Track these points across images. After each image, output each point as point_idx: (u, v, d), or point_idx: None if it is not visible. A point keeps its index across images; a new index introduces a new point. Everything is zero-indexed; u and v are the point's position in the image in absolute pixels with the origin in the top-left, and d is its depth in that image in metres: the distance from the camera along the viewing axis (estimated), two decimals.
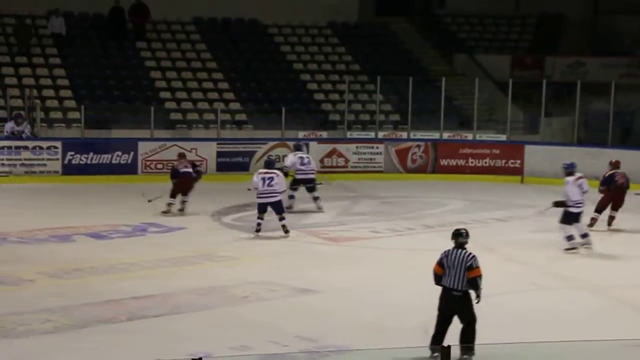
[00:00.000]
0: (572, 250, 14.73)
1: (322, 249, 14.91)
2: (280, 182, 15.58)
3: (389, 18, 28.51)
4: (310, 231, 16.13)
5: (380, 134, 23.41)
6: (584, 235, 14.98)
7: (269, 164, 15.98)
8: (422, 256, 14.43)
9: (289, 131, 22.65)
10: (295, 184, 17.88)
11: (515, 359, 8.78)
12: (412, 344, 9.39)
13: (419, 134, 23.42)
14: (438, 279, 9.58)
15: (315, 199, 17.97)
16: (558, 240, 15.93)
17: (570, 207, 14.85)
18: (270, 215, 15.64)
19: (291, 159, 18.23)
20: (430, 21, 29.25)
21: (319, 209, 17.85)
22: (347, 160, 22.54)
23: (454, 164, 22.95)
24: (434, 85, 24.35)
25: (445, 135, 23.45)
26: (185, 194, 17.37)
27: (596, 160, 21.28)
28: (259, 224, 15.48)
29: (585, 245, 14.91)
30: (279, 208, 15.56)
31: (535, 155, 22.40)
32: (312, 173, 18.08)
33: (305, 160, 18.01)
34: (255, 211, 15.69)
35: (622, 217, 16.96)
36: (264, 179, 15.44)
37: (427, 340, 9.92)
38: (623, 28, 27.95)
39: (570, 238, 14.81)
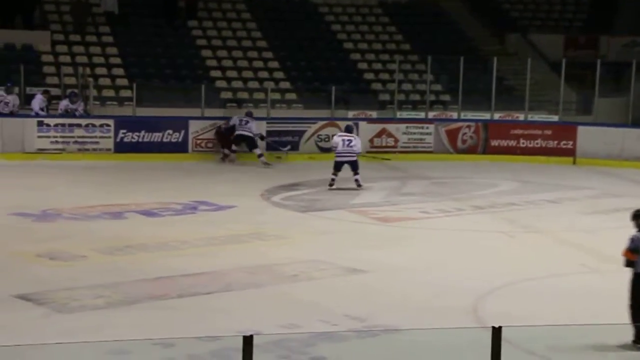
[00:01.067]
0: None
1: (371, 228, 14.91)
2: (358, 145, 17.97)
3: None
4: (359, 211, 16.13)
5: (431, 114, 23.28)
6: None
7: (349, 129, 18.46)
8: (471, 237, 14.47)
9: (339, 111, 22.62)
10: (335, 167, 17.94)
11: (565, 340, 8.74)
12: (460, 325, 9.37)
13: (470, 114, 23.24)
14: (630, 264, 9.56)
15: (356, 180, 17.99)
16: (609, 222, 15.78)
17: None
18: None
19: (335, 140, 18.38)
20: (482, 0, 28.94)
21: (359, 187, 17.92)
22: (396, 140, 22.47)
23: (505, 144, 22.74)
24: (485, 65, 24.13)
25: (496, 116, 23.25)
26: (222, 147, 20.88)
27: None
28: (333, 180, 17.65)
29: None
30: (354, 166, 17.80)
31: (588, 137, 22.12)
32: (352, 155, 18.00)
33: (347, 143, 18.05)
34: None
35: None
36: (343, 140, 17.83)
37: (476, 321, 9.90)
38: None
39: None
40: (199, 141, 21.43)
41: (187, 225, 14.71)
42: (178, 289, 11.09)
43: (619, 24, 27.70)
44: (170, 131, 21.32)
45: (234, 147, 20.96)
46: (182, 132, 21.35)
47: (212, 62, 24.55)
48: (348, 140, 17.86)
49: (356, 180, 17.83)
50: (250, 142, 20.88)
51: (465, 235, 14.57)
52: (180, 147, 21.32)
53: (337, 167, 17.80)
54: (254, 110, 22.34)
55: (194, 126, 21.42)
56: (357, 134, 19.67)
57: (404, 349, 8.09)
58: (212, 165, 20.72)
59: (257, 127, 21.03)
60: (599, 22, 27.81)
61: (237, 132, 20.83)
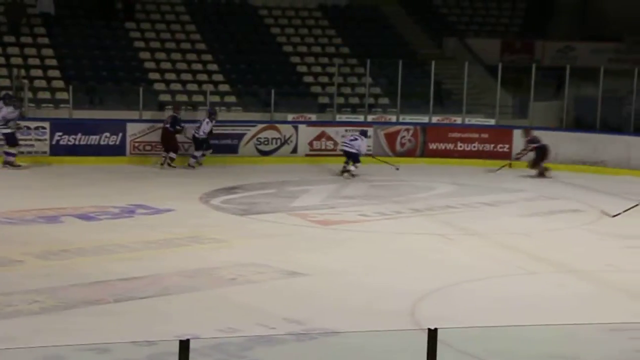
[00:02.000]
0: None
1: (311, 231, 14.93)
2: (359, 143, 20.31)
3: (380, 0, 28.45)
4: (299, 214, 16.14)
5: (369, 118, 23.42)
6: None
7: (363, 132, 21.06)
8: (410, 240, 14.57)
9: (278, 114, 22.63)
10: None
11: (501, 342, 8.83)
12: (399, 327, 9.43)
13: (408, 118, 23.44)
14: None
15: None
16: (545, 224, 16.04)
17: None
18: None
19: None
20: (421, 4, 29.18)
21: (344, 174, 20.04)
22: (336, 144, 22.53)
23: (443, 148, 22.97)
24: (423, 68, 24.33)
25: (435, 119, 23.47)
26: (165, 150, 20.49)
27: (583, 144, 21.41)
28: (343, 167, 20.26)
29: None
30: (351, 158, 20.16)
31: (524, 140, 22.41)
32: (351, 147, 20.30)
33: (350, 138, 20.56)
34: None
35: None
36: (352, 134, 20.75)
37: (414, 324, 9.99)
38: (612, 13, 27.97)
39: None
40: (136, 144, 21.24)
41: (125, 229, 14.57)
42: (114, 293, 10.97)
43: (553, 30, 28.16)
44: (108, 134, 21.10)
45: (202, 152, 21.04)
46: (120, 134, 21.14)
47: (150, 64, 24.35)
48: (353, 137, 20.49)
49: (348, 171, 20.10)
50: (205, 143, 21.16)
51: (404, 238, 14.67)
52: (117, 150, 21.11)
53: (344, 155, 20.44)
54: (192, 113, 22.23)
55: (132, 129, 21.23)
56: (356, 139, 20.52)
57: (341, 352, 8.12)
58: (151, 169, 20.56)
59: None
60: (535, 27, 28.25)
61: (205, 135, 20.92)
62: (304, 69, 25.48)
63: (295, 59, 25.74)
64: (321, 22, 27.53)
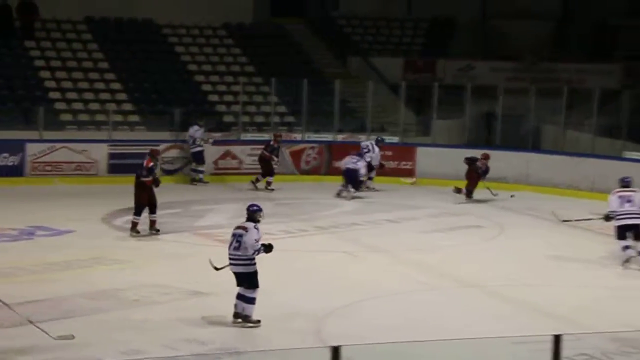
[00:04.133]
0: (627, 263, 14.23)
1: (215, 251, 14.75)
2: (359, 164, 20.22)
3: (284, 19, 28.56)
4: (203, 233, 16.01)
5: (266, 136, 23.35)
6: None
7: (359, 152, 20.93)
8: (315, 257, 14.59)
9: (183, 133, 22.43)
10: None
11: (406, 358, 8.90)
12: (304, 345, 9.42)
13: (314, 136, 23.54)
14: None
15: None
16: (448, 240, 16.28)
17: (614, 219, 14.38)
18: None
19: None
20: (325, 23, 29.41)
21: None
22: (241, 162, 22.45)
23: None
24: (328, 87, 24.48)
25: (340, 137, 23.61)
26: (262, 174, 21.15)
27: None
28: (339, 189, 20.19)
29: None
30: (350, 178, 20.13)
31: (427, 157, 22.76)
32: (349, 168, 20.28)
33: (351, 160, 20.42)
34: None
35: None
36: (351, 156, 20.43)
37: (319, 341, 9.98)
38: (511, 32, 28.66)
39: (625, 248, 14.25)
40: (36, 164, 20.78)
41: (24, 251, 14.22)
42: (14, 317, 10.68)
43: (454, 49, 28.71)
44: (7, 154, 20.57)
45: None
46: (19, 155, 20.64)
47: (51, 83, 23.87)
48: (355, 158, 20.36)
49: (348, 191, 20.06)
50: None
51: (309, 256, 14.69)
52: (16, 171, 20.60)
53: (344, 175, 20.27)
54: (95, 133, 21.87)
55: (32, 149, 20.76)
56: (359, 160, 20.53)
57: None
58: (51, 189, 20.11)
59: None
60: (436, 46, 28.73)
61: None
62: (208, 87, 25.36)
63: (200, 78, 25.60)
64: (226, 40, 27.46)
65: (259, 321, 10.66)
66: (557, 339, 6.47)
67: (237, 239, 10.85)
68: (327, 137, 23.52)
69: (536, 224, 17.85)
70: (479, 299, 12.48)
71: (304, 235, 16.26)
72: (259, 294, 10.83)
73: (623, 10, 29.48)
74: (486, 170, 20.02)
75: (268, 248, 10.88)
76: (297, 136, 23.60)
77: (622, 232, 14.25)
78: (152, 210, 15.48)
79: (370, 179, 21.18)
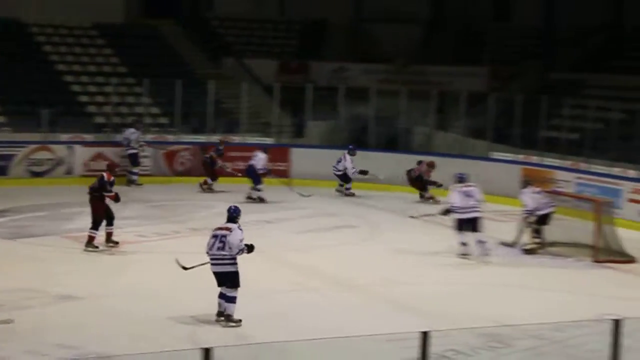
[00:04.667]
0: (464, 256, 14.87)
1: (85, 254, 14.48)
2: (342, 164, 20.93)
3: (157, 20, 28.21)
4: (72, 236, 15.62)
5: (148, 137, 23.05)
6: (480, 243, 14.86)
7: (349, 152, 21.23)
8: (188, 260, 14.40)
9: (51, 134, 21.86)
10: None
11: (278, 358, 8.91)
12: (176, 348, 9.31)
13: (188, 137, 23.32)
14: None
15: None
16: (322, 240, 16.40)
17: (455, 213, 15.02)
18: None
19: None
20: (199, 24, 29.19)
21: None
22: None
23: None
24: (202, 88, 24.30)
25: (214, 139, 23.46)
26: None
27: (358, 162, 22.03)
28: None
29: (483, 255, 14.77)
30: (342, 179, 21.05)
31: (301, 158, 22.86)
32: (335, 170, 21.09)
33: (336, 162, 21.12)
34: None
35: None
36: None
37: (193, 345, 9.88)
38: (382, 35, 29.12)
39: (463, 244, 14.92)
40: None
41: None
42: None
43: (327, 51, 28.96)
44: None
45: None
46: None
47: None
48: (338, 159, 21.00)
49: (341, 191, 20.92)
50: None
51: (183, 258, 14.49)
52: None
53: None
54: None
55: None
56: (339, 160, 21.06)
57: None
58: None
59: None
60: (310, 48, 28.92)
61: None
62: (78, 88, 24.78)
63: (69, 78, 24.99)
64: (97, 40, 26.91)
65: (240, 320, 10.95)
66: (425, 336, 6.58)
67: (221, 239, 11.13)
68: (201, 138, 23.35)
69: (409, 224, 18.16)
70: (352, 298, 12.60)
71: (179, 237, 16.08)
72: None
73: (489, 15, 30.38)
74: (419, 176, 20.56)
75: (250, 248, 11.26)
76: (171, 137, 23.32)
77: (460, 225, 14.97)
78: (110, 223, 14.98)
79: (347, 188, 21.19)
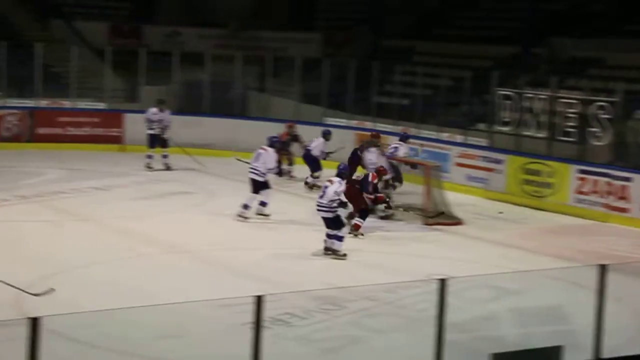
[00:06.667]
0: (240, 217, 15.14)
1: None
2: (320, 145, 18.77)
3: None
4: None
5: None
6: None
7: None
8: (17, 228, 13.99)
9: None
10: None
11: (113, 326, 8.80)
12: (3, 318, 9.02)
13: (14, 102, 22.47)
14: None
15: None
16: (156, 207, 16.24)
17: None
18: None
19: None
20: None
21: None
22: None
23: (52, 132, 22.32)
24: (29, 51, 23.38)
25: (43, 103, 22.72)
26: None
27: (192, 129, 21.89)
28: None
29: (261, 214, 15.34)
30: (311, 166, 18.83)
31: (136, 124, 22.43)
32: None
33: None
34: None
35: None
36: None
37: (21, 314, 9.60)
38: (215, 0, 28.83)
39: (246, 207, 15.16)
40: None
41: None
42: None
43: (161, 15, 28.45)
44: None
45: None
46: None
47: None
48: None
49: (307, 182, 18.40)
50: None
51: (11, 226, 14.07)
52: None
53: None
54: None
55: None
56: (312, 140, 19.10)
57: None
58: None
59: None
60: (142, 12, 28.32)
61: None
62: None
63: None
64: None
65: (345, 255, 12.90)
66: (259, 300, 6.63)
67: (323, 189, 13.14)
68: (29, 103, 22.54)
69: (242, 189, 18.18)
70: (187, 265, 12.55)
71: (6, 205, 15.55)
72: None
73: None
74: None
75: (344, 205, 13.35)
76: None
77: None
78: None
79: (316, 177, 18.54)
